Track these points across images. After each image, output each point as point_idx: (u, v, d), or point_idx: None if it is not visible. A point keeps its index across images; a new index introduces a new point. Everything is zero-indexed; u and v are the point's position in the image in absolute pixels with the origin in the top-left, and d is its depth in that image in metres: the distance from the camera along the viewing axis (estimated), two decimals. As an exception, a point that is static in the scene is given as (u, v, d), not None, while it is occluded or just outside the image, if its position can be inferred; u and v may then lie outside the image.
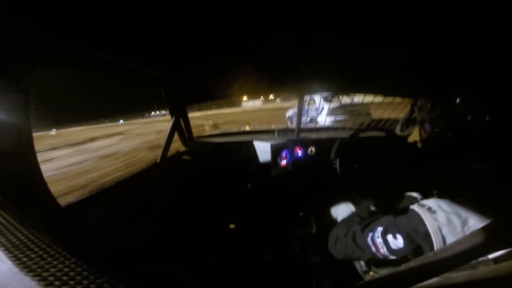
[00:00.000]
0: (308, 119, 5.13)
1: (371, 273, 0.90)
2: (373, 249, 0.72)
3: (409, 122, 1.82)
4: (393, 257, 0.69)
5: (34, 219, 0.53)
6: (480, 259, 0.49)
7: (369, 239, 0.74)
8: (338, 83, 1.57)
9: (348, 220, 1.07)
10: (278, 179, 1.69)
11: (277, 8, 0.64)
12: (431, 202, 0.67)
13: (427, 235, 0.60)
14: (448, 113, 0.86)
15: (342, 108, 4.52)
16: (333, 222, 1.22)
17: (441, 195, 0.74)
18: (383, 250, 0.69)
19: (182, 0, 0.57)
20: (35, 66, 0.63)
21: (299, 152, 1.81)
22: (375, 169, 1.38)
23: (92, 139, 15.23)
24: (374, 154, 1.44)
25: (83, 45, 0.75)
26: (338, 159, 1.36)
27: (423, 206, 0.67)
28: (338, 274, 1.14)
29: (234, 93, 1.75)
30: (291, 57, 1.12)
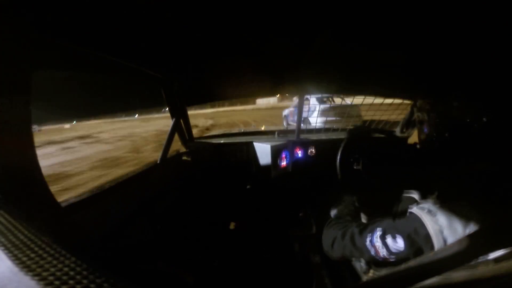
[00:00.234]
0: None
1: (371, 273, 0.90)
2: (372, 252, 0.72)
3: (408, 123, 1.82)
4: (393, 259, 0.68)
5: (34, 219, 0.53)
6: (480, 259, 0.49)
7: (367, 242, 0.73)
8: (338, 83, 1.57)
9: (340, 218, 1.07)
10: (278, 180, 1.69)
11: (277, 8, 0.65)
12: (430, 204, 0.66)
13: (428, 237, 0.60)
14: (446, 115, 0.86)
15: (333, 109, 4.58)
16: None
17: (441, 196, 0.74)
18: (383, 252, 0.68)
19: (182, 0, 0.58)
20: (35, 66, 0.63)
21: (299, 153, 1.81)
22: (375, 170, 1.38)
23: (49, 143, 13.63)
24: (374, 155, 1.44)
25: (83, 45, 0.75)
26: (338, 159, 1.36)
27: (422, 209, 0.66)
28: (338, 274, 1.14)
29: (234, 93, 1.75)
30: (291, 57, 1.12)
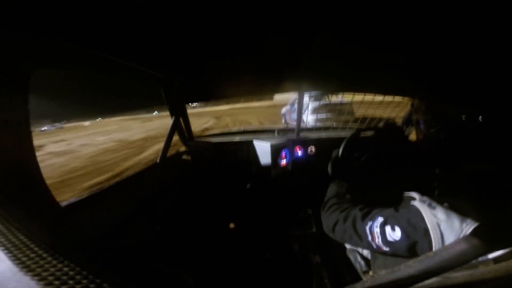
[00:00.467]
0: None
1: (371, 273, 0.90)
2: (369, 237, 0.72)
3: (407, 122, 1.82)
4: (387, 249, 0.69)
5: (34, 219, 0.53)
6: (480, 259, 0.49)
7: (367, 228, 0.74)
8: (338, 82, 1.57)
9: (338, 197, 1.07)
10: (278, 179, 1.69)
11: (277, 8, 0.64)
12: (431, 200, 0.67)
13: (426, 230, 0.61)
14: (442, 114, 0.86)
15: (325, 106, 4.44)
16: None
17: (441, 196, 0.74)
18: (378, 240, 0.69)
19: (182, 0, 0.58)
20: (35, 66, 0.63)
21: (299, 152, 1.81)
22: (375, 169, 1.38)
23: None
24: (373, 154, 1.44)
25: (83, 45, 0.75)
26: (338, 159, 1.35)
27: (423, 201, 0.67)
28: (338, 274, 1.14)
29: (234, 93, 1.75)
30: (291, 57, 1.12)
